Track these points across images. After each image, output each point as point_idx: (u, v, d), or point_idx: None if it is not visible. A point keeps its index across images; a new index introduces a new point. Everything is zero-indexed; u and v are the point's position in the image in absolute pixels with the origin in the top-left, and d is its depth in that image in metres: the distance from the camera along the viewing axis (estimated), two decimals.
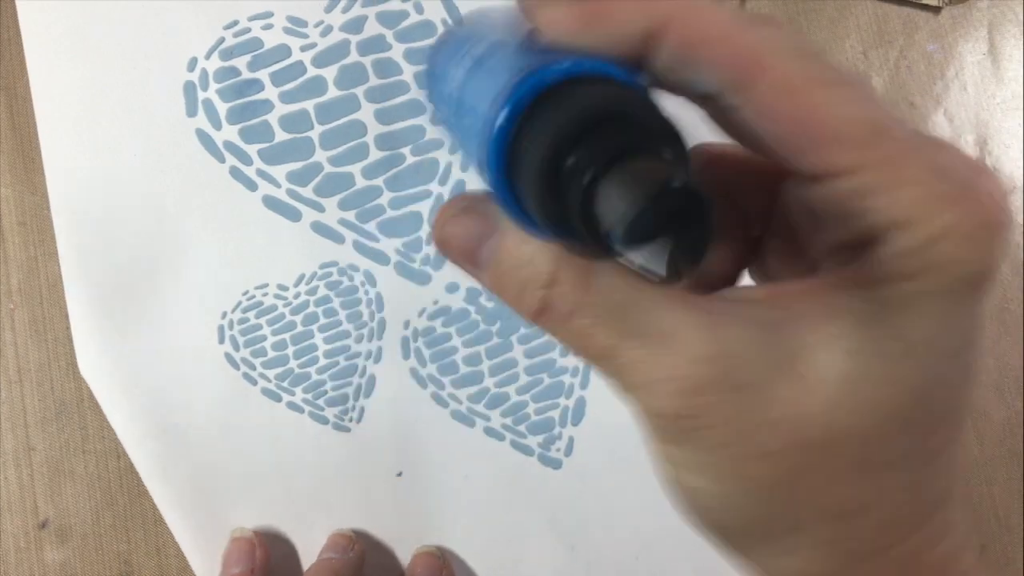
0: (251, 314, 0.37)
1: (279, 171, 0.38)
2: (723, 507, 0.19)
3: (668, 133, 0.16)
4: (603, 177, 0.15)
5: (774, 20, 0.19)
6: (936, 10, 0.41)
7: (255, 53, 0.38)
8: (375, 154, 0.38)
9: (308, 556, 0.38)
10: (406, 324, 0.38)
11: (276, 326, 0.38)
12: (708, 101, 0.18)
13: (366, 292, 0.38)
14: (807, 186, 0.18)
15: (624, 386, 0.18)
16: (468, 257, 0.19)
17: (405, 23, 0.39)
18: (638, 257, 0.15)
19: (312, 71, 0.38)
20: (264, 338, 0.37)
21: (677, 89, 0.18)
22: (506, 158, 0.17)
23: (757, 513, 0.19)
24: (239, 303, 0.37)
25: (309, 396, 0.38)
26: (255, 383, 0.37)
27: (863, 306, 0.17)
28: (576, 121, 0.16)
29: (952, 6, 0.41)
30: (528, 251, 0.18)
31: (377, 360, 0.38)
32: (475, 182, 0.38)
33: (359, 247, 0.38)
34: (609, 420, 0.39)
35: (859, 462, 0.18)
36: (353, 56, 0.38)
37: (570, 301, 0.18)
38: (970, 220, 0.16)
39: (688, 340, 0.17)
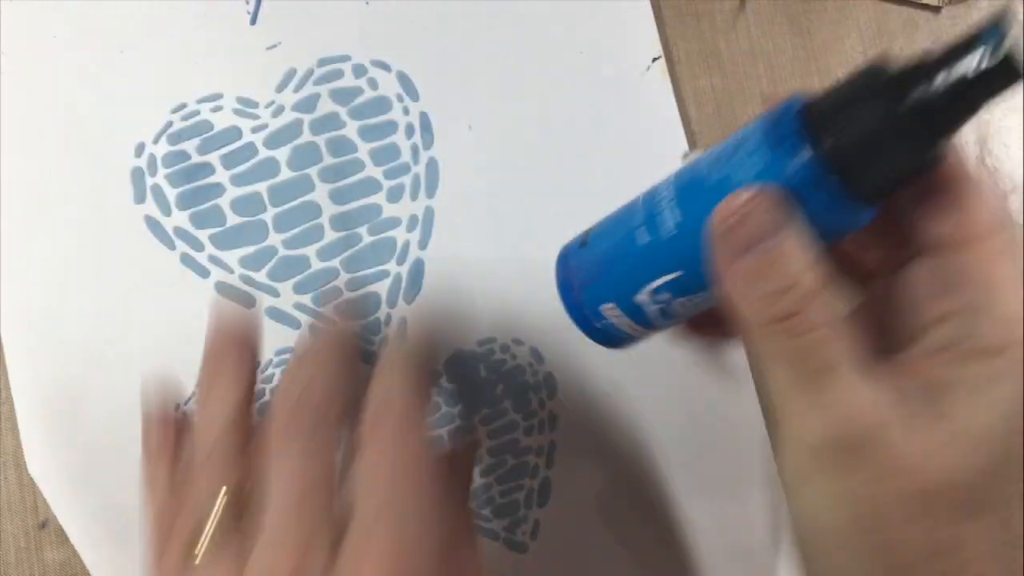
0: None
1: (232, 256, 0.37)
2: (838, 541, 0.23)
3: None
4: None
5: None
6: (936, 10, 0.42)
7: (204, 136, 0.37)
8: (331, 235, 0.38)
9: None
10: None
11: None
12: None
13: None
14: (938, 256, 0.24)
15: (811, 404, 0.22)
16: (742, 245, 0.22)
17: (360, 99, 0.38)
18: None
19: (264, 152, 0.37)
20: None
21: None
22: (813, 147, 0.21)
23: (864, 554, 0.23)
24: (192, 395, 0.36)
25: None
26: None
27: (979, 371, 0.22)
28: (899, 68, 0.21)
29: (952, 6, 0.41)
30: (809, 258, 0.22)
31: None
32: (437, 261, 0.38)
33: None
34: (575, 501, 0.38)
35: (965, 504, 0.22)
36: (306, 136, 0.38)
37: (821, 317, 0.22)
38: None
39: (865, 390, 0.22)
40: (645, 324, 0.27)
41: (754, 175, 0.22)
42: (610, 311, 0.27)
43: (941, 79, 0.21)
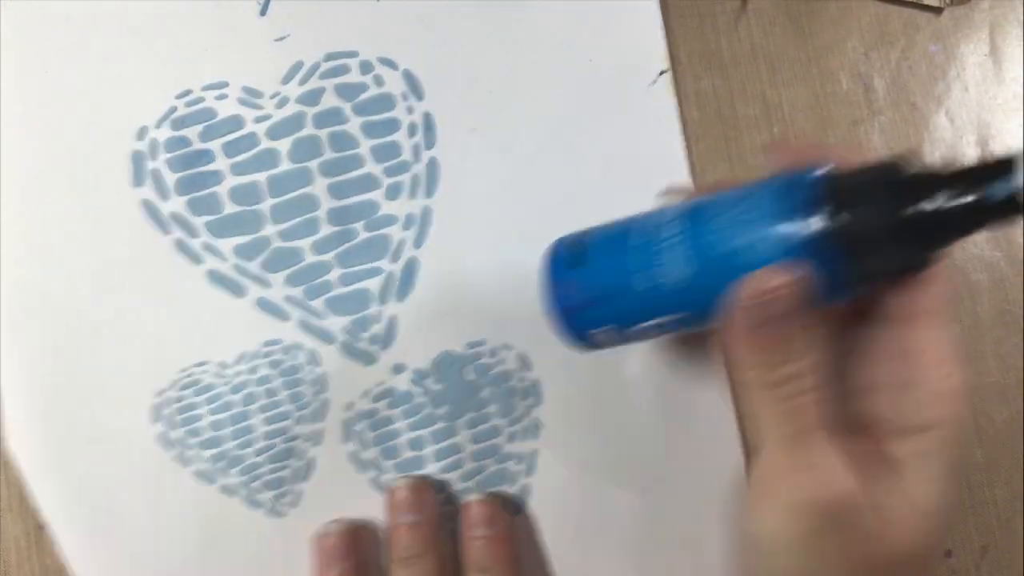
0: (188, 392, 0.36)
1: (226, 244, 0.37)
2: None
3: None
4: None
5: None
6: (938, 11, 0.41)
7: (207, 123, 0.37)
8: (327, 229, 0.37)
9: None
10: (349, 406, 0.37)
11: (214, 405, 0.36)
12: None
13: (309, 372, 0.37)
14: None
15: (793, 464, 0.25)
16: (761, 320, 0.24)
17: (364, 96, 0.38)
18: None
19: (265, 143, 0.37)
20: (200, 417, 0.36)
21: None
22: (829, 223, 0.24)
23: None
24: (176, 381, 0.36)
25: (244, 479, 0.36)
26: (188, 464, 0.36)
27: (914, 448, 0.26)
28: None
29: (954, 7, 0.41)
30: (809, 336, 0.25)
31: (317, 443, 0.37)
32: (431, 260, 0.38)
33: (304, 325, 0.37)
34: (552, 511, 0.37)
35: (918, 571, 0.25)
36: (308, 129, 0.38)
37: (809, 386, 0.25)
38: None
39: (834, 458, 0.25)
40: (634, 341, 0.30)
41: (774, 248, 0.24)
42: (602, 332, 0.29)
43: (949, 198, 0.22)
